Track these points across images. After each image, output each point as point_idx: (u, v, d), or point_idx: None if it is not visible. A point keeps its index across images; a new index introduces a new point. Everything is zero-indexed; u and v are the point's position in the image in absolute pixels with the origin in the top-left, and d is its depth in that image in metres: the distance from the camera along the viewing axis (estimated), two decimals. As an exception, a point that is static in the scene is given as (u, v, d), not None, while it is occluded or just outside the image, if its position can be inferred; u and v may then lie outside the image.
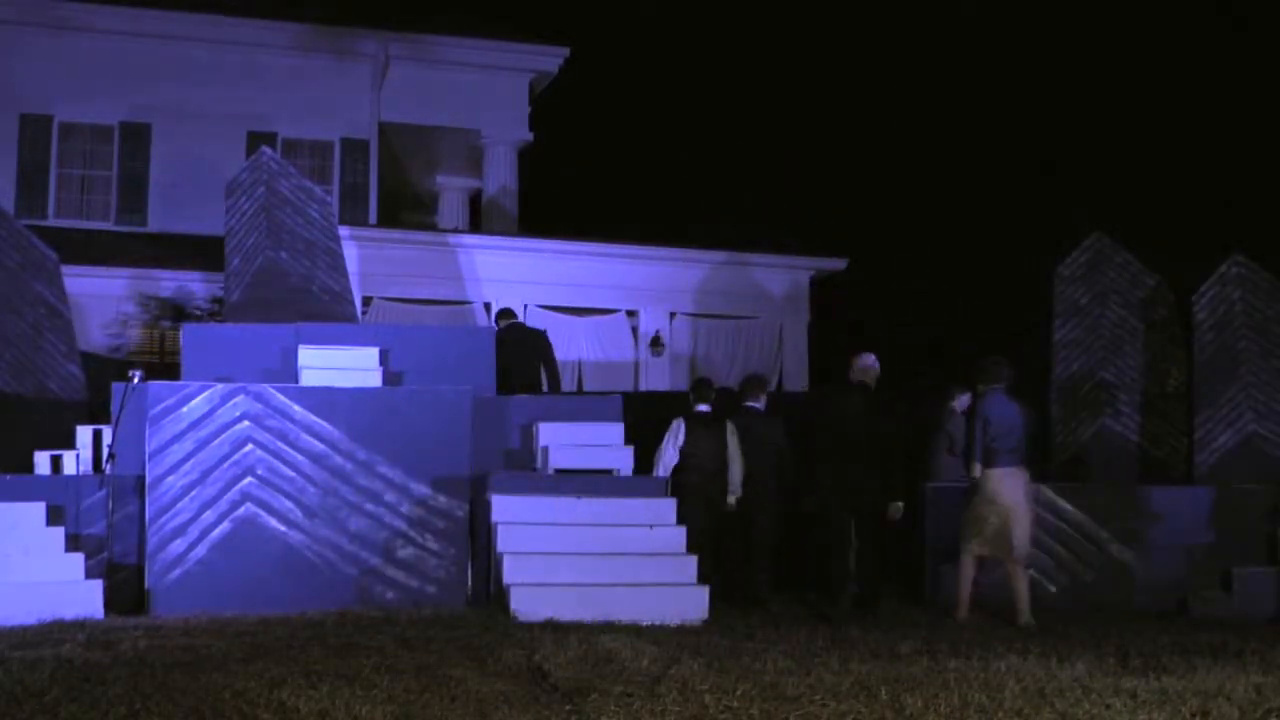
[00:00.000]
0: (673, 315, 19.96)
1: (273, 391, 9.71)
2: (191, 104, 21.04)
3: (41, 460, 9.97)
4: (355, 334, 11.48)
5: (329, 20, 21.85)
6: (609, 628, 8.22)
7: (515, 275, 19.28)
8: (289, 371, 10.69)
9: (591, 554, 9.39)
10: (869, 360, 10.36)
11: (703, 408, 10.76)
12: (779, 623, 8.88)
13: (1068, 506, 11.11)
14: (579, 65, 24.08)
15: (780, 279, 20.62)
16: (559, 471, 10.03)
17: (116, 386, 9.80)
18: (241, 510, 9.50)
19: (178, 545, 9.41)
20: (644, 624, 8.55)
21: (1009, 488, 9.43)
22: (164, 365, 15.19)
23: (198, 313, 18.03)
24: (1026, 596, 9.42)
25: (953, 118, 31.65)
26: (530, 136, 23.43)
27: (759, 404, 11.07)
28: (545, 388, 12.89)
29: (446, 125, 23.08)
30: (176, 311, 18.29)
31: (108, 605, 8.86)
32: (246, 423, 9.58)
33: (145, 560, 9.41)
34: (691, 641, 7.69)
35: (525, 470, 10.32)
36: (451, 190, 25.85)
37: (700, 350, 20.00)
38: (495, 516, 9.63)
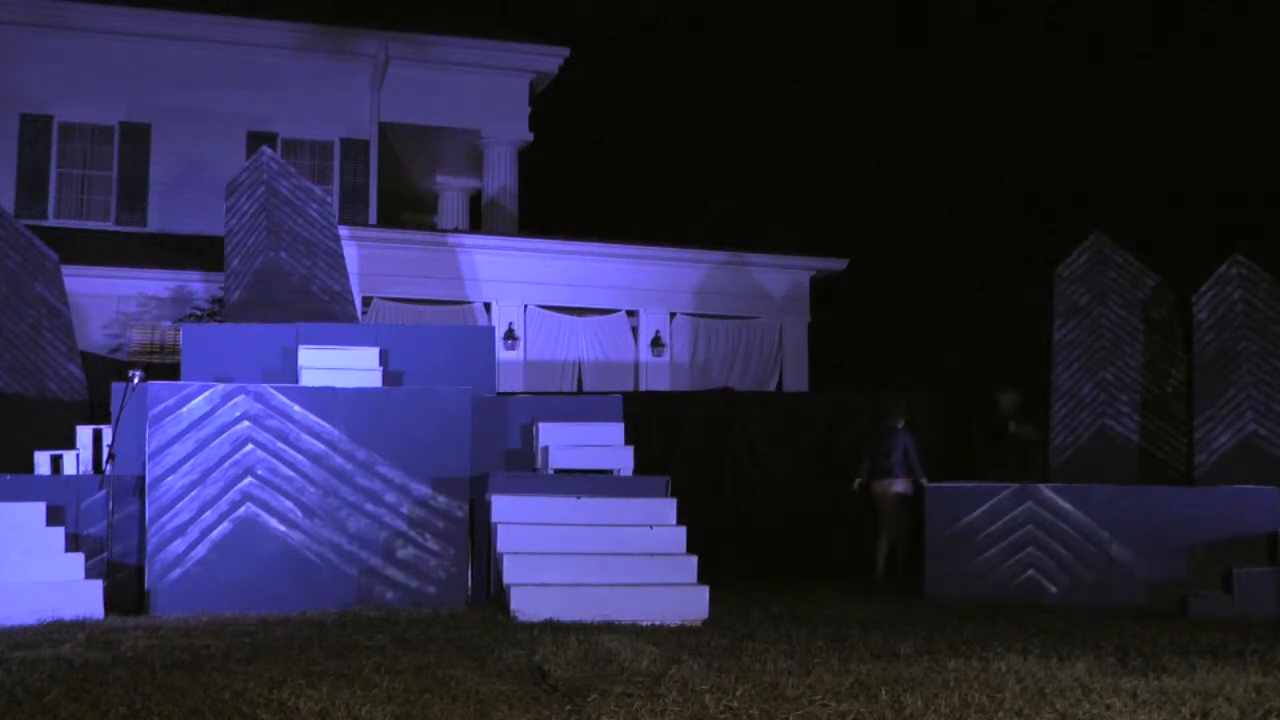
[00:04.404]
0: (673, 315, 19.96)
1: (273, 391, 9.71)
2: (191, 104, 21.04)
3: (41, 460, 9.98)
4: (355, 334, 11.48)
5: (329, 20, 21.86)
6: (609, 628, 8.22)
7: (515, 275, 19.29)
8: (289, 371, 10.69)
9: (591, 554, 9.39)
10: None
11: None
12: (779, 622, 8.88)
13: (1068, 506, 11.12)
14: (579, 65, 24.09)
15: (780, 279, 20.62)
16: (559, 471, 10.03)
17: (116, 386, 9.80)
18: (241, 510, 9.50)
19: (178, 545, 9.41)
20: (644, 624, 8.55)
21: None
22: (164, 365, 15.18)
23: (198, 313, 18.03)
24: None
25: (953, 117, 31.65)
26: (530, 136, 23.44)
27: None
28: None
29: (446, 125, 23.08)
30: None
31: (108, 605, 8.87)
32: (246, 423, 9.58)
33: (145, 560, 9.41)
34: (691, 641, 7.69)
35: (525, 470, 10.32)
36: (451, 190, 25.86)
37: (700, 350, 20.01)
38: (495, 516, 9.63)
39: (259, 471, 9.56)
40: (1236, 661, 7.35)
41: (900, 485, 13.01)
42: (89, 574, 9.13)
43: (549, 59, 23.37)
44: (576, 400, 12.22)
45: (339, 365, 10.44)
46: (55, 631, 7.85)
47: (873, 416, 13.80)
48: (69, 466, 9.94)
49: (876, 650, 7.53)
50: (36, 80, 20.63)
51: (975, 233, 28.75)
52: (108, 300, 18.56)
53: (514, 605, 8.88)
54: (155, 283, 18.91)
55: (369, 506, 9.67)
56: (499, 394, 11.44)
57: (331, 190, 21.29)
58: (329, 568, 9.55)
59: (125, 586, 9.45)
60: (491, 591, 9.68)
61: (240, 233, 13.16)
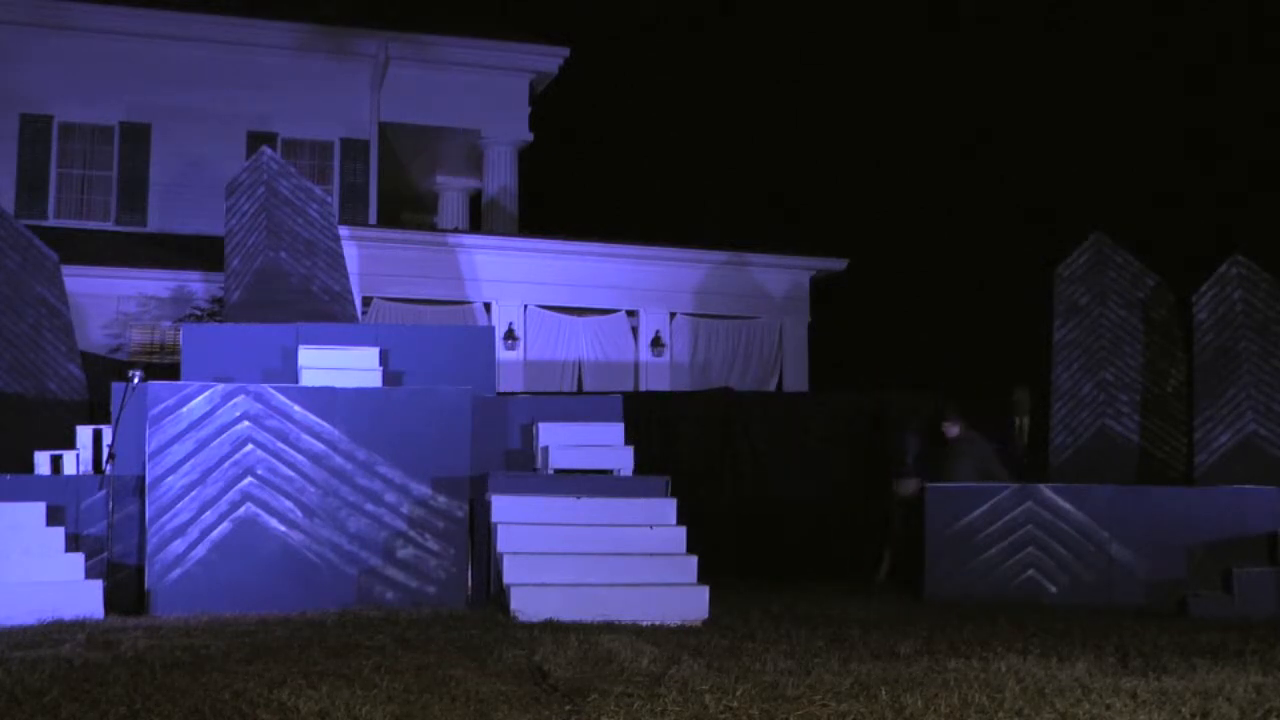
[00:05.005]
0: (673, 315, 19.97)
1: (273, 391, 9.71)
2: (191, 104, 21.05)
3: (41, 460, 9.97)
4: (355, 334, 11.48)
5: (329, 20, 21.86)
6: (609, 628, 8.22)
7: (515, 275, 19.29)
8: (289, 371, 10.69)
9: (591, 554, 9.39)
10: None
11: None
12: (779, 622, 8.88)
13: (1068, 506, 11.12)
14: (579, 65, 24.10)
15: (780, 279, 20.63)
16: (559, 471, 10.03)
17: (116, 386, 9.80)
18: (241, 510, 9.50)
19: (178, 545, 9.41)
20: (644, 624, 8.55)
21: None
22: (164, 365, 15.18)
23: (198, 313, 18.03)
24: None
25: (953, 117, 31.65)
26: (530, 136, 23.44)
27: None
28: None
29: (446, 125, 23.09)
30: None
31: (108, 605, 8.87)
32: (246, 423, 9.58)
33: (145, 560, 9.41)
34: (691, 641, 7.69)
35: (525, 470, 10.32)
36: (451, 190, 25.86)
37: (700, 350, 20.01)
38: (495, 516, 9.63)
39: (259, 471, 9.56)
40: (1236, 661, 7.35)
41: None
42: (89, 574, 9.13)
43: (549, 59, 23.37)
44: (576, 400, 12.21)
45: (339, 365, 10.44)
46: (55, 631, 7.84)
47: (873, 416, 13.82)
48: (69, 466, 9.94)
49: (876, 650, 7.53)
50: (36, 80, 20.63)
51: (975, 232, 28.76)
52: (108, 300, 18.56)
53: (514, 605, 8.88)
54: (155, 283, 18.91)
55: (369, 506, 9.67)
56: (499, 394, 11.44)
57: (331, 190, 21.30)
58: (329, 568, 9.55)
59: (125, 586, 9.45)
60: (491, 591, 9.68)
61: (240, 233, 13.16)
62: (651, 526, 9.67)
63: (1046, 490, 11.29)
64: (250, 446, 9.57)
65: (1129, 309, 12.93)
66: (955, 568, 11.17)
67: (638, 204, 30.66)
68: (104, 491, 9.56)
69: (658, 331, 19.78)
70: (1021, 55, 31.11)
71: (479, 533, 9.87)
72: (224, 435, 9.55)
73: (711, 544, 10.45)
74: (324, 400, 9.74)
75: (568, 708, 5.75)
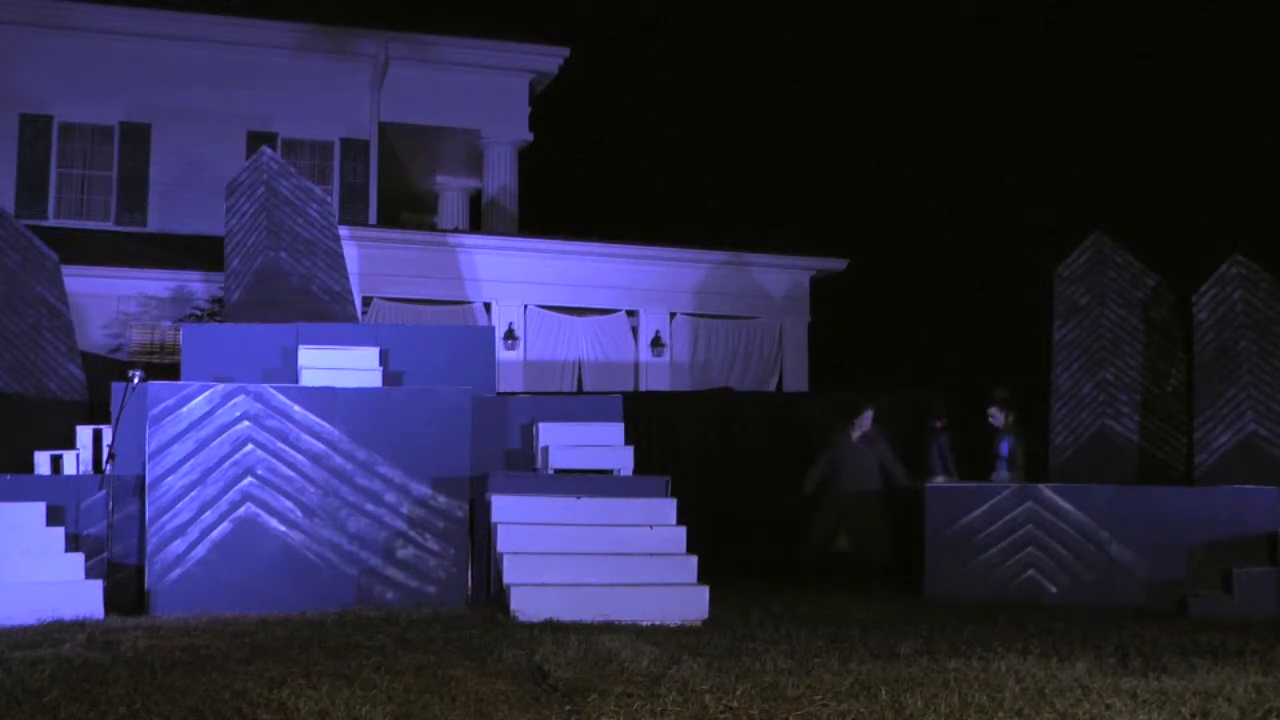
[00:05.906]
0: (673, 315, 19.96)
1: (273, 391, 9.71)
2: (191, 104, 21.04)
3: (41, 460, 9.98)
4: (355, 334, 11.48)
5: (329, 20, 21.86)
6: (609, 628, 8.23)
7: (515, 275, 19.29)
8: (289, 371, 10.70)
9: (591, 554, 9.39)
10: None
11: None
12: (779, 622, 8.88)
13: (1068, 506, 11.12)
14: (579, 65, 24.10)
15: (780, 279, 20.62)
16: (559, 471, 10.03)
17: (116, 386, 9.80)
18: (241, 510, 9.50)
19: (178, 545, 9.41)
20: (644, 624, 8.55)
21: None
22: (164, 365, 15.17)
23: (198, 313, 18.03)
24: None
25: (953, 117, 31.66)
26: (530, 136, 23.44)
27: None
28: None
29: (446, 125, 23.08)
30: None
31: (108, 605, 8.87)
32: (246, 423, 9.58)
33: (145, 560, 9.42)
34: (691, 641, 7.69)
35: (525, 470, 10.32)
36: (451, 190, 25.86)
37: (700, 350, 20.01)
38: (495, 516, 9.63)
39: (259, 471, 9.56)
40: (1236, 661, 7.35)
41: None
42: (89, 574, 9.14)
43: (549, 59, 23.36)
44: (576, 400, 12.22)
45: (339, 365, 10.44)
46: (55, 631, 7.85)
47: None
48: (69, 466, 9.94)
49: (876, 650, 7.53)
50: (36, 80, 20.63)
51: (975, 233, 28.76)
52: (108, 300, 18.56)
53: (514, 605, 8.88)
54: (155, 283, 18.91)
55: (369, 506, 9.67)
56: (499, 394, 11.44)
57: (331, 190, 21.29)
58: (329, 568, 9.55)
59: (125, 586, 9.46)
60: (491, 591, 9.68)
61: (240, 233, 13.16)
62: (651, 526, 9.67)
63: (1046, 490, 11.29)
64: (250, 446, 9.57)
65: (1129, 309, 12.92)
66: (955, 568, 11.17)
67: (638, 204, 30.69)
68: (104, 491, 9.56)
69: (658, 331, 19.78)
70: (1021, 55, 31.10)
71: (479, 533, 9.88)
72: (224, 435, 9.55)
73: (711, 544, 10.45)
74: (324, 400, 9.74)
75: (568, 708, 5.75)
